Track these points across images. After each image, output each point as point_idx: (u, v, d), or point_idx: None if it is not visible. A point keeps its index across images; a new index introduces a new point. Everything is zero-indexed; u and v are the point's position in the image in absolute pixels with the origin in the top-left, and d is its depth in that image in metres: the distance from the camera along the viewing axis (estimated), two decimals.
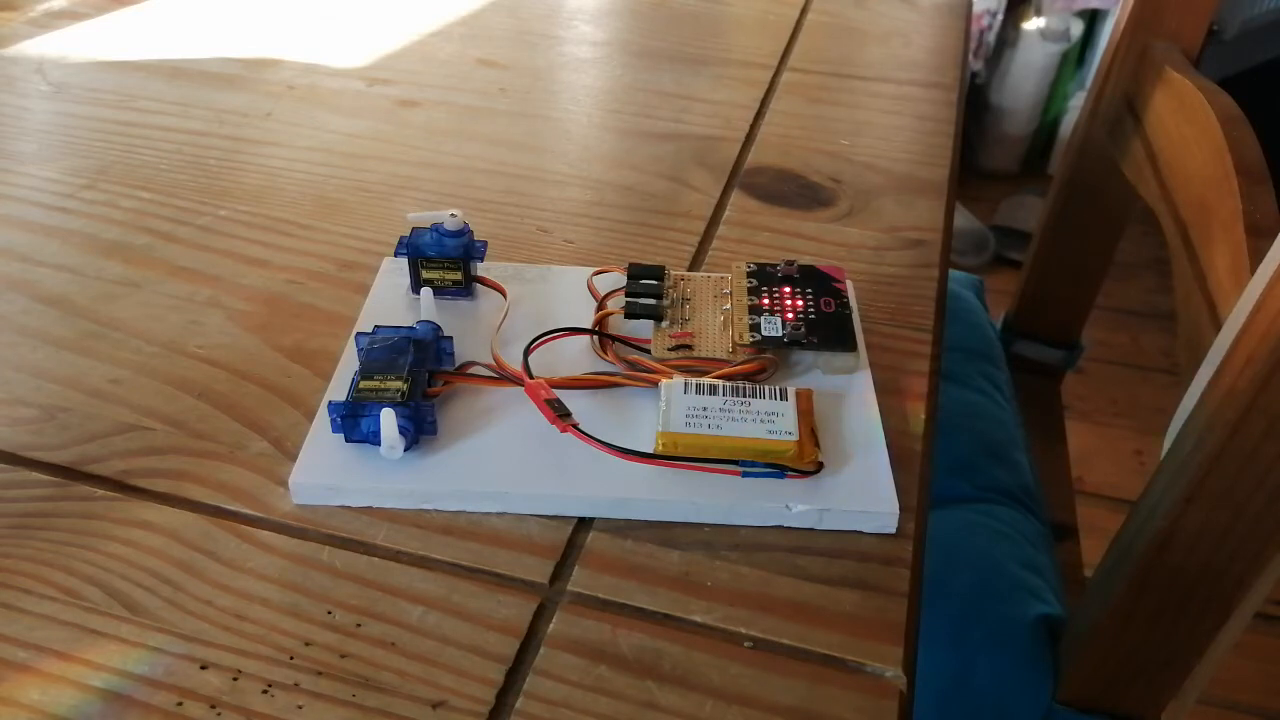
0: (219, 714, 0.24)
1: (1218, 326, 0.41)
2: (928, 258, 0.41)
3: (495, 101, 0.51)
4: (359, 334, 0.32)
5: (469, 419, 0.31)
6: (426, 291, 0.34)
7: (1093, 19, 1.64)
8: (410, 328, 0.32)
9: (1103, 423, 1.30)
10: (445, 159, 0.46)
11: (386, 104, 0.51)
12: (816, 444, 0.30)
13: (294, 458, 0.30)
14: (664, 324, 0.34)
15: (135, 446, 0.31)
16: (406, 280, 0.36)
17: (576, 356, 0.33)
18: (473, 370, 0.32)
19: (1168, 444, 0.40)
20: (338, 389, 0.32)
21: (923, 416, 0.33)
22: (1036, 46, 1.62)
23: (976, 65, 1.64)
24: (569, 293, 0.36)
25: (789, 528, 0.29)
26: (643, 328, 0.34)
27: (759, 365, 0.32)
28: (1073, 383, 1.28)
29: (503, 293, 0.35)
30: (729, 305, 0.35)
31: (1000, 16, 1.62)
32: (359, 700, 0.24)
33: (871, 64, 0.58)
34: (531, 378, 0.31)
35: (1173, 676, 0.43)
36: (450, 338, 0.33)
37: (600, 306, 0.35)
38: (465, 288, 0.36)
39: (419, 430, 0.30)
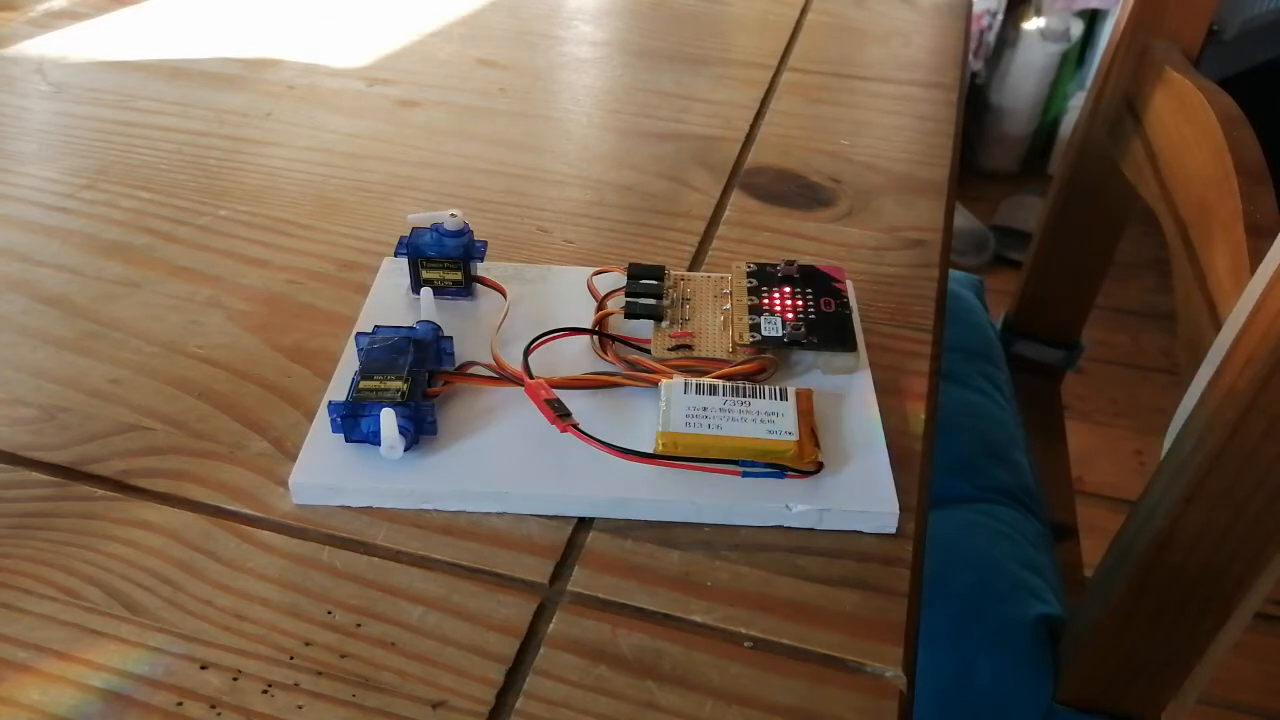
0: (219, 714, 0.24)
1: (1218, 326, 0.41)
2: (928, 258, 0.41)
3: (495, 101, 0.51)
4: (359, 334, 0.32)
5: (469, 419, 0.31)
6: (426, 291, 0.34)
7: (1093, 19, 1.64)
8: (410, 328, 0.32)
9: (1103, 423, 1.30)
10: (445, 159, 0.46)
11: (386, 104, 0.51)
12: (816, 444, 0.30)
13: (294, 458, 0.30)
14: (664, 324, 0.34)
15: (135, 446, 0.31)
16: (406, 280, 0.36)
17: (576, 356, 0.33)
18: (473, 370, 0.32)
19: (1168, 444, 0.40)
20: (338, 389, 0.32)
21: (923, 416, 0.33)
22: (1036, 46, 1.62)
23: (976, 65, 1.64)
24: (569, 293, 0.36)
25: (789, 528, 0.29)
26: (643, 328, 0.34)
27: (759, 365, 0.32)
28: (1073, 383, 1.28)
29: (503, 293, 0.35)
30: (729, 305, 0.35)
31: (1000, 16, 1.62)
32: (359, 700, 0.24)
33: (871, 64, 0.58)
34: (531, 378, 0.31)
35: (1173, 676, 0.43)
36: (450, 338, 0.33)
37: (600, 306, 0.35)
38: (465, 288, 0.36)
39: (419, 430, 0.30)
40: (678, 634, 0.26)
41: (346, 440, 0.30)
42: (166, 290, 0.37)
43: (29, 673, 0.25)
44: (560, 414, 0.30)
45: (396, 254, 0.35)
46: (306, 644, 0.25)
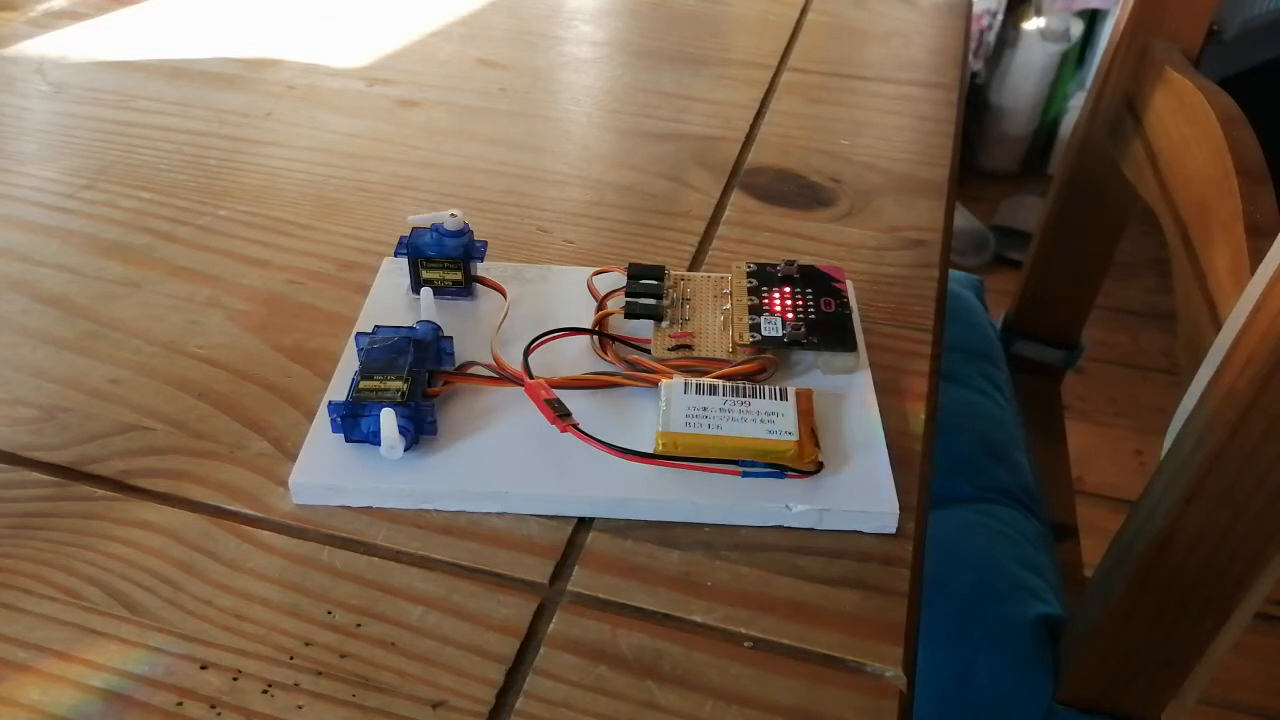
0: (219, 714, 0.24)
1: (1218, 326, 0.41)
2: (928, 258, 0.41)
3: (495, 101, 0.51)
4: (359, 334, 0.32)
5: (469, 419, 0.31)
6: (426, 291, 0.34)
7: (1093, 19, 1.64)
8: (410, 328, 0.32)
9: (1103, 423, 1.30)
10: (445, 159, 0.46)
11: (386, 104, 0.51)
12: (816, 444, 0.30)
13: (294, 458, 0.30)
14: (664, 324, 0.34)
15: (135, 446, 0.31)
16: (406, 280, 0.36)
17: (576, 356, 0.33)
18: (473, 370, 0.32)
19: (1168, 444, 0.40)
20: (338, 389, 0.32)
21: (923, 416, 0.33)
22: (1036, 46, 1.62)
23: (976, 65, 1.64)
24: (569, 293, 0.36)
25: (789, 528, 0.29)
26: (643, 328, 0.34)
27: (759, 365, 0.32)
28: (1073, 383, 1.28)
29: (503, 293, 0.35)
30: (729, 305, 0.35)
31: (1000, 16, 1.62)
32: (359, 700, 0.24)
33: (871, 64, 0.58)
34: (531, 378, 0.31)
35: (1173, 676, 0.43)
36: (450, 338, 0.33)
37: (600, 306, 0.35)
38: (465, 288, 0.36)
39: (419, 430, 0.30)
40: (678, 634, 0.26)
41: (346, 440, 0.30)
42: (166, 290, 0.37)
43: (29, 673, 0.25)
44: (560, 414, 0.30)
45: (396, 254, 0.35)
46: (306, 644, 0.25)
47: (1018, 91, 1.67)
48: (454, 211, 0.35)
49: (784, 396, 0.31)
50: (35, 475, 0.30)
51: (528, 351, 0.32)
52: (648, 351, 0.33)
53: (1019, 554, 0.53)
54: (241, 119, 0.49)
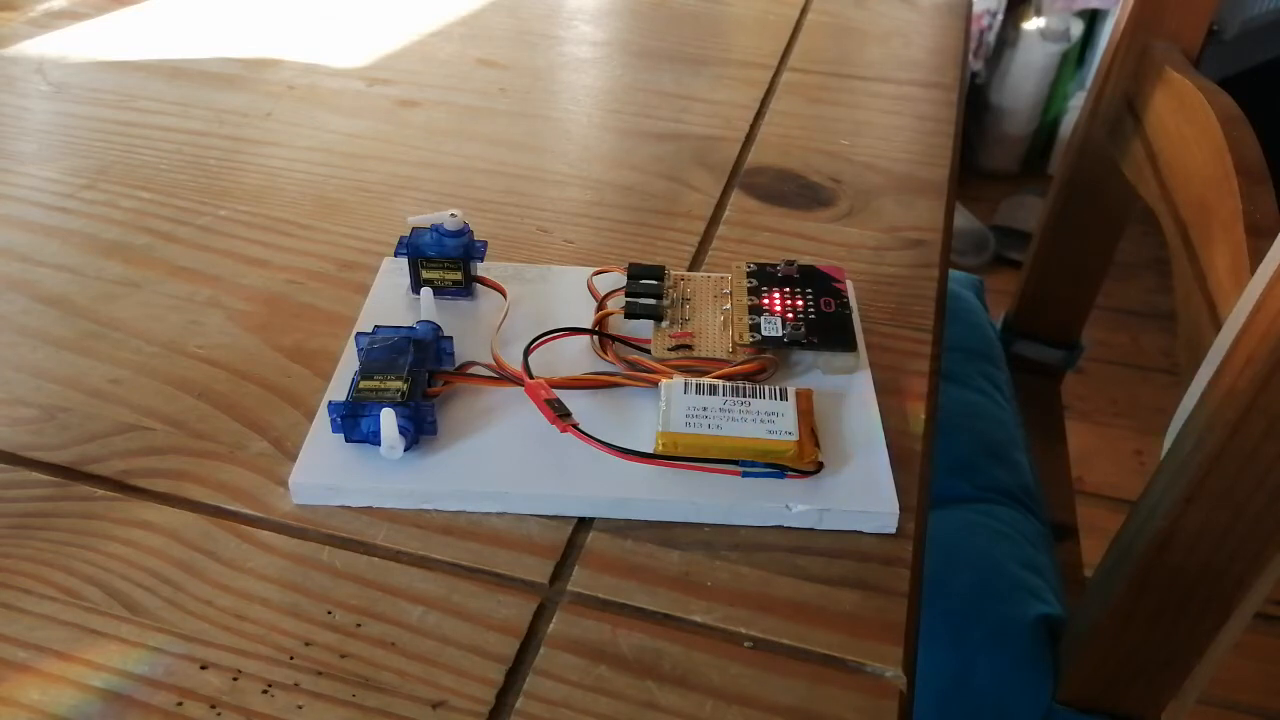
0: (219, 714, 0.24)
1: (1218, 326, 0.41)
2: (928, 258, 0.41)
3: (495, 101, 0.51)
4: (359, 334, 0.32)
5: (469, 419, 0.31)
6: (426, 291, 0.34)
7: (1093, 19, 1.64)
8: (410, 328, 0.32)
9: (1103, 423, 1.30)
10: (445, 159, 0.46)
11: (386, 104, 0.51)
12: (816, 444, 0.30)
13: (294, 458, 0.30)
14: (664, 324, 0.34)
15: (135, 446, 0.31)
16: (406, 280, 0.36)
17: (576, 356, 0.33)
18: (473, 370, 0.32)
19: (1168, 444, 0.40)
20: (338, 389, 0.32)
21: (923, 416, 0.33)
22: (1036, 46, 1.62)
23: (976, 65, 1.64)
24: (569, 293, 0.36)
25: (789, 528, 0.29)
26: (643, 328, 0.34)
27: (759, 365, 0.32)
28: (1073, 383, 1.28)
29: (503, 293, 0.35)
30: (729, 305, 0.35)
31: (1000, 16, 1.62)
32: (359, 700, 0.24)
33: (871, 64, 0.58)
34: (531, 378, 0.31)
35: (1173, 676, 0.43)
36: (450, 338, 0.33)
37: (600, 306, 0.35)
38: (465, 288, 0.36)
39: (419, 430, 0.30)
40: (678, 634, 0.26)
41: (346, 440, 0.30)
42: (166, 290, 0.37)
43: (29, 673, 0.25)
44: (560, 414, 0.30)
45: (396, 254, 0.35)
46: (306, 644, 0.25)
47: (1018, 91, 1.67)
48: (454, 211, 0.35)
49: (784, 396, 0.31)
50: (35, 475, 0.30)
51: (528, 351, 0.32)
52: (648, 351, 0.33)
53: (1019, 554, 0.53)
54: (241, 119, 0.49)
